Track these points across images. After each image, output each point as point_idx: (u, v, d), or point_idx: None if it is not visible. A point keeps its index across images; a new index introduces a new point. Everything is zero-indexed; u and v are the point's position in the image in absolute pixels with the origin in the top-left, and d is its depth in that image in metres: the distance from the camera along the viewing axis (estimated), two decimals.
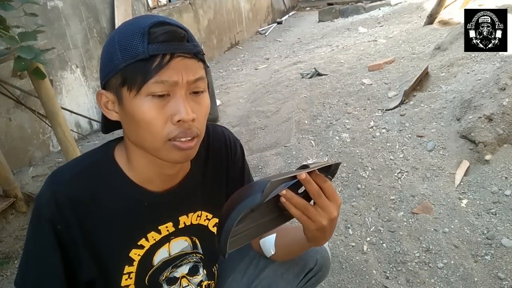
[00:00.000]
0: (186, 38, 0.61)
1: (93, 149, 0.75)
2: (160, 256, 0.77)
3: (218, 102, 3.65)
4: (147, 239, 0.74)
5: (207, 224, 0.83)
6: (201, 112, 0.64)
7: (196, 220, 0.81)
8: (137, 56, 0.58)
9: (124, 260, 0.73)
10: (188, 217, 0.79)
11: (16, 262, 1.86)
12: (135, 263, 0.74)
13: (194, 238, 0.82)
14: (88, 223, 0.68)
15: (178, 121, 0.60)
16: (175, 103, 0.61)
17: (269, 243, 0.86)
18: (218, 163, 0.83)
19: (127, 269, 0.73)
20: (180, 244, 0.80)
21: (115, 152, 0.72)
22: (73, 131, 3.14)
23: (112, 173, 0.70)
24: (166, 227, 0.76)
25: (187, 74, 0.60)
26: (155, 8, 4.68)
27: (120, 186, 0.70)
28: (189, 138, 0.63)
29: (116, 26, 2.75)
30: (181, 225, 0.78)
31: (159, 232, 0.75)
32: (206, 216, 0.82)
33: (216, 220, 0.84)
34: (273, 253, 0.86)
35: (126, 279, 0.74)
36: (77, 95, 3.34)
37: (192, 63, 0.61)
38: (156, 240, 0.75)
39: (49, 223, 0.66)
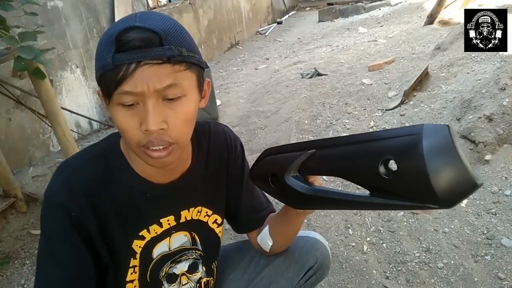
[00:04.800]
0: (159, 42, 0.57)
1: (98, 141, 0.76)
2: (160, 249, 0.78)
3: (218, 102, 3.64)
4: (148, 231, 0.75)
5: (207, 221, 0.84)
6: (176, 119, 0.61)
7: (196, 215, 0.81)
8: (106, 66, 0.57)
9: (129, 252, 0.73)
10: (189, 211, 0.80)
11: (16, 262, 1.86)
12: (138, 256, 0.75)
13: (194, 233, 0.82)
14: (99, 210, 0.69)
15: (146, 130, 0.59)
16: (144, 112, 0.59)
17: (265, 236, 0.88)
18: (219, 159, 0.84)
19: (132, 262, 0.74)
20: (180, 239, 0.80)
21: (120, 143, 0.73)
22: (73, 131, 3.14)
23: (118, 162, 0.72)
24: (168, 220, 0.76)
25: (153, 83, 0.57)
26: (155, 8, 4.68)
27: (125, 176, 0.71)
28: (161, 147, 0.61)
29: None
30: (182, 220, 0.79)
31: (160, 225, 0.76)
32: (206, 212, 0.83)
33: (216, 216, 0.85)
34: (271, 244, 0.87)
35: (132, 273, 0.75)
36: (77, 95, 3.34)
37: (161, 69, 0.57)
38: (158, 233, 0.76)
39: (64, 210, 0.66)
